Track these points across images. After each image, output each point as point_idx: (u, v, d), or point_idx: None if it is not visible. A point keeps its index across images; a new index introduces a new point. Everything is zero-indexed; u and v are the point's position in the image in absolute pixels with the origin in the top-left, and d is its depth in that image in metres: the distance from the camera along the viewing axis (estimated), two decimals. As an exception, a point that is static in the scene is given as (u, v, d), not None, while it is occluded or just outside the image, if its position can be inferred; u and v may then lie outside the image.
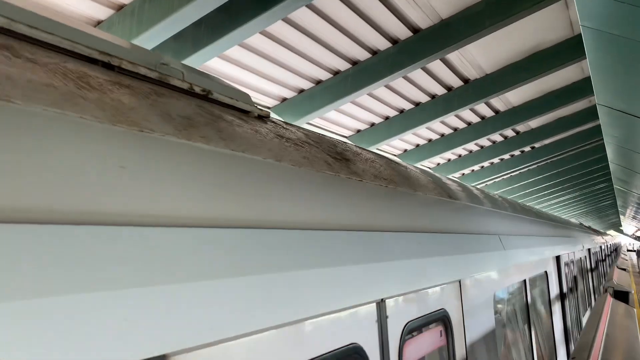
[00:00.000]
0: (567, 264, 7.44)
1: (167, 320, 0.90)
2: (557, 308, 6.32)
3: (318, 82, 11.46)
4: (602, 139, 12.22)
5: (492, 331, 3.21)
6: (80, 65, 1.16)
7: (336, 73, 11.22)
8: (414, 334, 2.00)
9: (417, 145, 17.83)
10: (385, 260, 1.70)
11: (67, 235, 0.77)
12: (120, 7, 7.68)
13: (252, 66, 10.33)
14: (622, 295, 8.82)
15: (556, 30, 11.33)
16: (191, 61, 8.22)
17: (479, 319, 2.94)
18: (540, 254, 5.33)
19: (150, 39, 7.42)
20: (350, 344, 1.47)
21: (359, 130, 14.88)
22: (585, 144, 20.41)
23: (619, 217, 47.35)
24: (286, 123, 2.06)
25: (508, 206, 5.35)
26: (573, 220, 18.11)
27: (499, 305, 3.75)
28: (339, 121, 14.08)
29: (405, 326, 1.85)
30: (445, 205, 2.90)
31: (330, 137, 2.42)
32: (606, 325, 5.40)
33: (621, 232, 73.92)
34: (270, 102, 11.85)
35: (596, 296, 12.62)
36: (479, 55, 12.08)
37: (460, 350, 2.49)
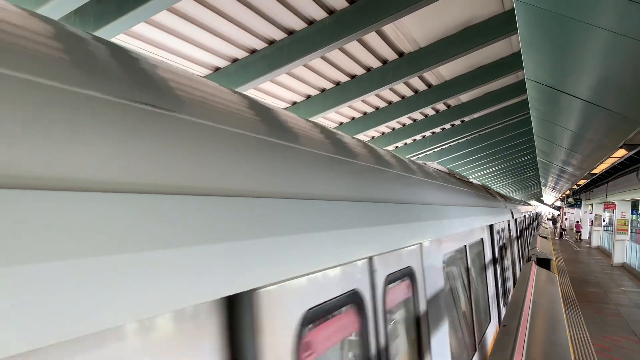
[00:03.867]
0: (498, 232, 7.73)
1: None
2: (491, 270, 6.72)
3: (253, 52, 11.13)
4: (529, 113, 12.68)
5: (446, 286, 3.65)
6: None
7: (271, 42, 10.93)
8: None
9: (353, 118, 17.88)
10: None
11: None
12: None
13: (183, 33, 9.86)
14: (544, 262, 9.31)
15: (488, 5, 11.52)
16: (115, 26, 7.71)
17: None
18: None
19: (70, 2, 6.89)
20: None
21: (294, 102, 14.69)
22: (512, 117, 21.20)
23: (541, 188, 50.05)
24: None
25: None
26: (507, 194, 19.33)
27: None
28: (274, 92, 13.82)
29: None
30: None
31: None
32: (532, 292, 5.63)
33: (542, 202, 78.48)
34: (203, 72, 11.43)
35: (524, 256, 13.40)
36: (414, 29, 12.12)
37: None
